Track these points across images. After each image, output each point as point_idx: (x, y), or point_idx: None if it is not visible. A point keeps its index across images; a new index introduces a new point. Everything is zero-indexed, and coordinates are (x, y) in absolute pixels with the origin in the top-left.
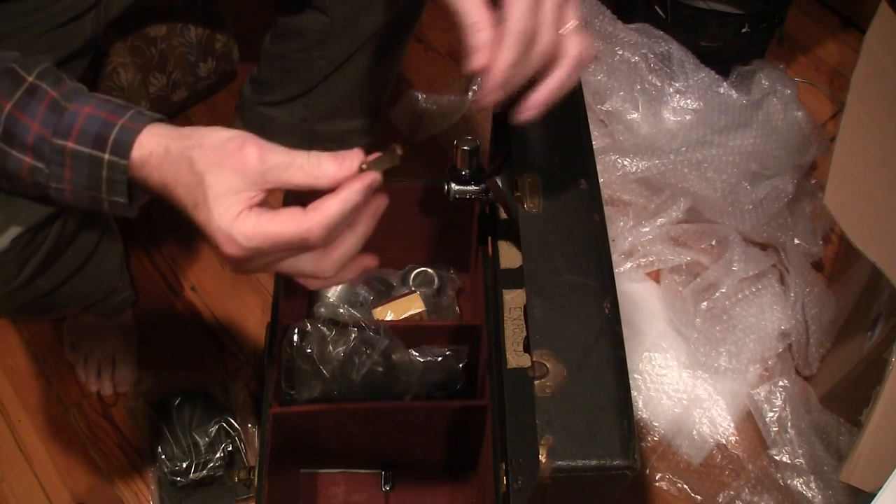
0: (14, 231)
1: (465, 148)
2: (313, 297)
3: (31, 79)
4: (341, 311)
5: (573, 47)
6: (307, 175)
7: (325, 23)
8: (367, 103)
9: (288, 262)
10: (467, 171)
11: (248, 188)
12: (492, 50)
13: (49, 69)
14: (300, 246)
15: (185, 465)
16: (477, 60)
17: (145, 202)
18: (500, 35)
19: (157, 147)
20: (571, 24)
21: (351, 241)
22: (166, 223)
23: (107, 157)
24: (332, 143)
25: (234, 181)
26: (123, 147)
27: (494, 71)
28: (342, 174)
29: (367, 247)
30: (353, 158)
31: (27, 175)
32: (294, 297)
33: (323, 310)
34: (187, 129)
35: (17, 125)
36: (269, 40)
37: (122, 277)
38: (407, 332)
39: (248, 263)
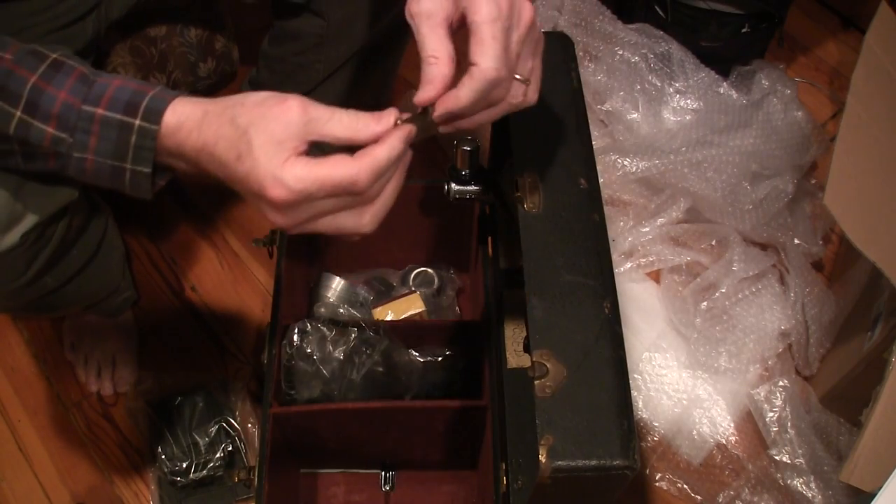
0: (27, 223)
1: (466, 148)
2: (313, 297)
3: (55, 55)
4: (341, 310)
5: (519, 94)
6: (347, 128)
7: (321, 26)
8: (365, 106)
9: (329, 218)
10: (467, 170)
11: (292, 138)
12: (444, 85)
13: (70, 54)
14: (348, 190)
15: (185, 465)
16: (424, 93)
17: (162, 186)
18: (468, 74)
19: (193, 111)
20: (533, 72)
21: (390, 192)
22: (166, 223)
23: (138, 122)
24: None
25: (278, 131)
26: (155, 114)
27: (450, 106)
28: (381, 128)
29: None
30: (389, 115)
31: (49, 145)
32: (294, 297)
33: (323, 310)
34: (221, 98)
35: (41, 96)
36: (268, 43)
37: (123, 277)
38: (407, 331)
39: (294, 210)
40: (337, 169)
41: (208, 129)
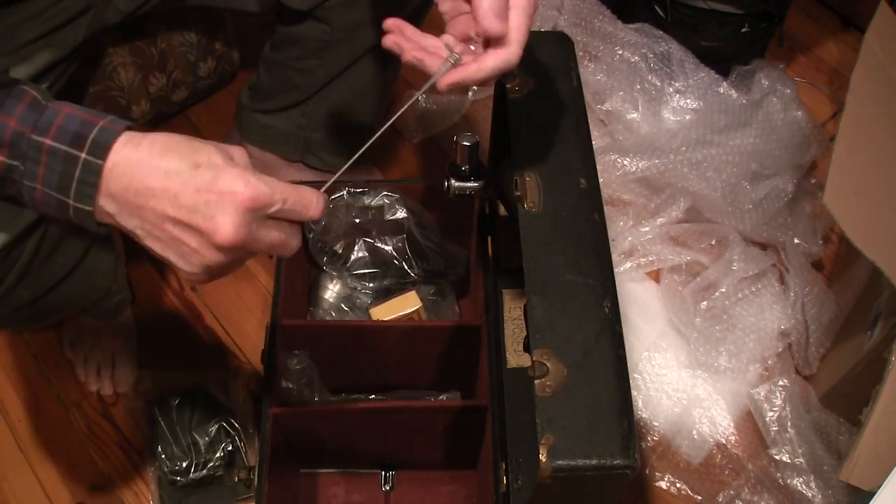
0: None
1: (465, 143)
2: (311, 298)
3: (7, 77)
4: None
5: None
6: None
7: (325, 32)
8: (365, 113)
9: (275, 232)
10: (467, 167)
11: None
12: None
13: (21, 81)
14: (299, 202)
15: (185, 465)
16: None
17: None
18: (495, 51)
19: (131, 155)
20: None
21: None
22: None
23: (83, 156)
24: (326, 152)
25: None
26: (101, 148)
27: (468, 77)
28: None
29: None
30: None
31: (3, 173)
32: (294, 297)
33: (321, 311)
34: (168, 145)
35: None
36: (269, 48)
37: (116, 280)
38: (406, 331)
39: (252, 215)
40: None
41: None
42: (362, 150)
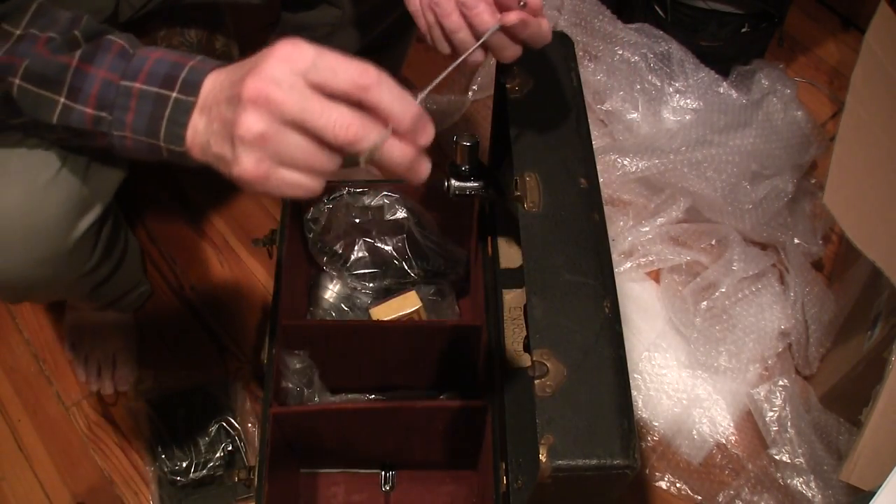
0: (97, 209)
1: (465, 143)
2: (311, 298)
3: (100, 27)
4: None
5: None
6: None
7: (336, 16)
8: None
9: (291, 163)
10: (467, 167)
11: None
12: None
13: (109, 28)
14: (360, 84)
15: (185, 465)
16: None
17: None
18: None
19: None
20: None
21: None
22: (166, 223)
23: (174, 94)
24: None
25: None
26: (192, 86)
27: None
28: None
29: None
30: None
31: (91, 126)
32: (294, 297)
33: (321, 311)
34: None
35: (84, 79)
36: (274, 38)
37: (143, 267)
38: (406, 331)
39: (279, 107)
40: (352, 62)
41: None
42: (448, 70)
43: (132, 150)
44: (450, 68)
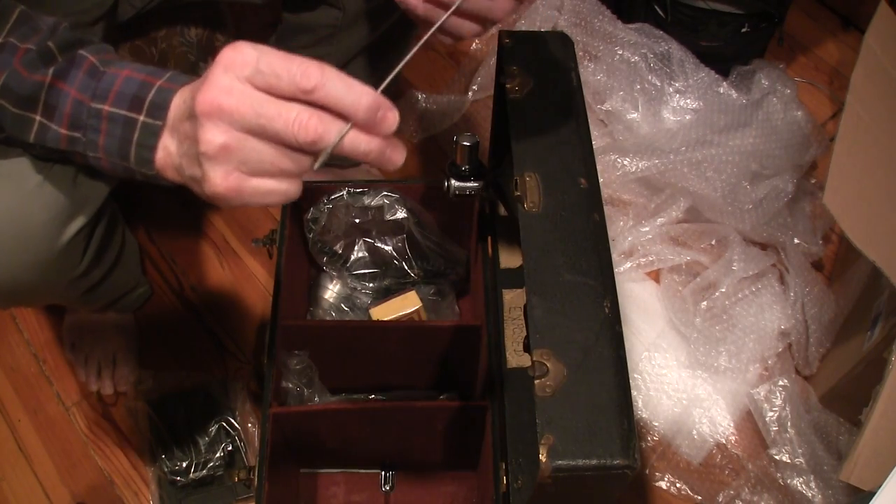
0: (87, 212)
1: (465, 143)
2: (311, 298)
3: (77, 38)
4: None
5: None
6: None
7: (336, 17)
8: None
9: (261, 170)
10: (467, 167)
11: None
12: None
13: (84, 39)
14: (303, 87)
15: (185, 465)
16: None
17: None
18: None
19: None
20: None
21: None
22: (166, 223)
23: (142, 118)
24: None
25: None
26: (160, 108)
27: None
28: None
29: None
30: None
31: (67, 145)
32: (294, 297)
33: (321, 311)
34: None
35: (58, 97)
36: (276, 39)
37: (143, 272)
38: (406, 331)
39: (237, 113)
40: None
41: None
42: (401, 64)
43: (109, 171)
44: (420, 42)
